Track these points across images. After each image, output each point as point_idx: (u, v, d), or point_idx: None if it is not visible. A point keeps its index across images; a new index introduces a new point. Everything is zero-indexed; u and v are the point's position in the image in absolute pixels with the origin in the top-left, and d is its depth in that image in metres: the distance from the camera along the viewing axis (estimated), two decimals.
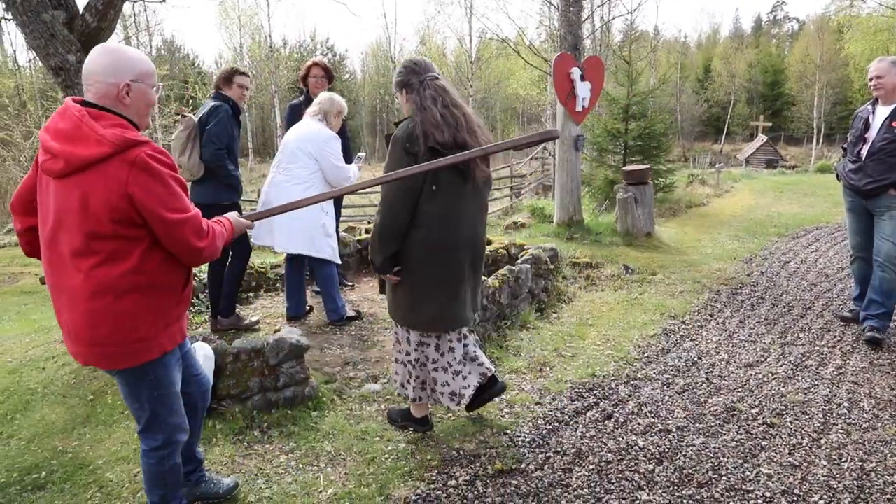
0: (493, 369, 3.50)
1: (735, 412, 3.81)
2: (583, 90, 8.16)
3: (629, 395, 4.07)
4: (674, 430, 3.60)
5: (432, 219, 3.09)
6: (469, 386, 3.38)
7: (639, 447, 3.42)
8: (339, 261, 5.04)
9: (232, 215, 2.69)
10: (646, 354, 4.78)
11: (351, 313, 5.15)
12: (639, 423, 3.70)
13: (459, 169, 3.07)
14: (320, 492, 3.06)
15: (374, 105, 41.38)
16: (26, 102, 16.82)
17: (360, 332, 4.94)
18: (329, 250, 4.87)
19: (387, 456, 3.34)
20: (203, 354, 3.69)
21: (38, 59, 5.26)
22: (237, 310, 5.00)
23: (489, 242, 6.79)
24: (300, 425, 3.63)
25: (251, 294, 5.79)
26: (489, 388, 3.49)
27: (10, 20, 5.37)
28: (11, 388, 4.31)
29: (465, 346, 3.42)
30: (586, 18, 13.97)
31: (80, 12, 5.16)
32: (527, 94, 32.71)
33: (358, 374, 4.28)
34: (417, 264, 3.17)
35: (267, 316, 5.26)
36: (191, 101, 18.52)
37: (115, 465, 3.35)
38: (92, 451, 3.55)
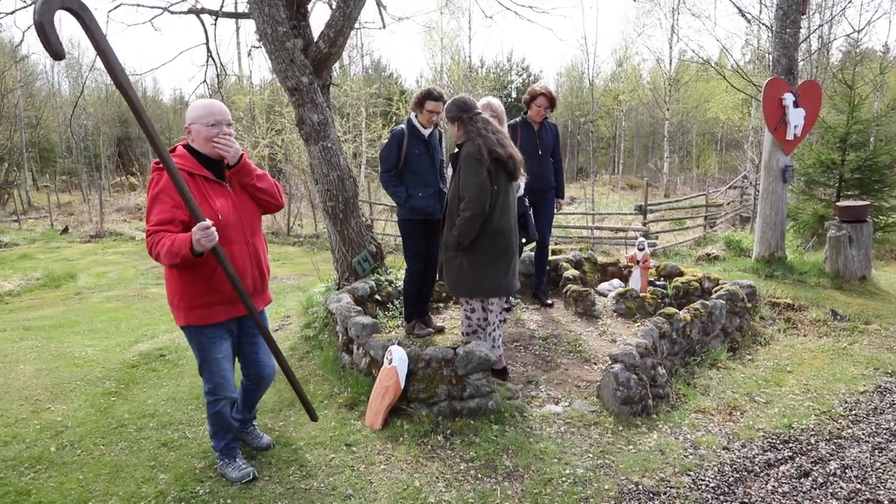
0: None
1: None
2: (795, 117, 7.58)
3: (831, 455, 3.74)
4: (885, 501, 3.25)
5: (495, 210, 4.12)
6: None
7: None
8: None
9: (193, 230, 2.88)
10: (853, 412, 4.35)
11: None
12: (841, 488, 3.39)
13: (508, 172, 4.15)
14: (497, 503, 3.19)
15: (566, 124, 41.28)
16: (256, 117, 19.15)
17: (545, 352, 5.03)
18: None
19: (564, 479, 3.39)
20: (398, 357, 4.01)
21: (276, 80, 6.00)
22: (426, 318, 5.28)
23: (681, 273, 6.56)
24: (481, 436, 3.79)
25: (441, 304, 6.11)
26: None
27: (258, 48, 6.19)
28: None
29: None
30: (803, 40, 12.91)
31: (315, 40, 5.83)
32: (727, 119, 30.77)
33: (540, 393, 4.37)
34: (485, 244, 4.17)
35: (455, 326, 5.52)
36: (394, 117, 19.85)
37: (314, 448, 3.75)
38: (295, 432, 4.01)
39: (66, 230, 21.36)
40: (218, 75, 8.49)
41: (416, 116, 4.89)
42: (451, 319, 5.69)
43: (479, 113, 4.22)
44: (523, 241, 5.47)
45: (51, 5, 2.41)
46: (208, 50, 7.93)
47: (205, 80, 8.70)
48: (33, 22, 2.39)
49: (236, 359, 3.51)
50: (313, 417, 3.67)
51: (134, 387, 4.94)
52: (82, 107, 33.48)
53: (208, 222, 2.89)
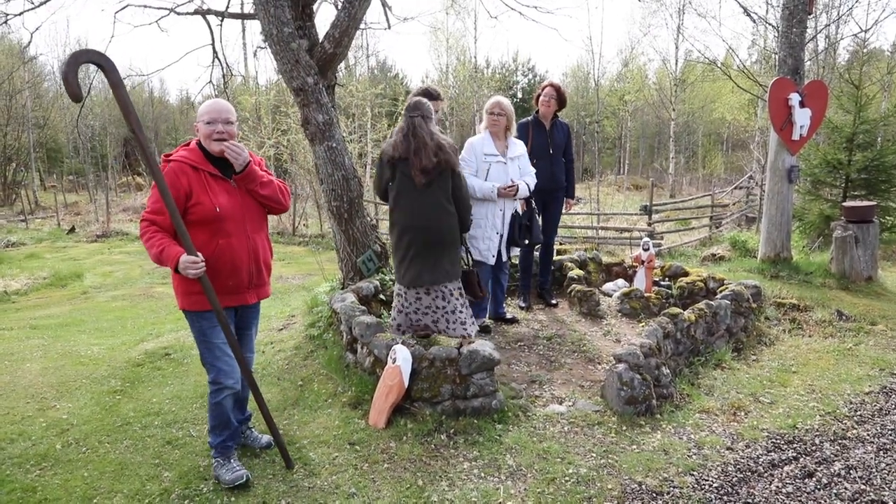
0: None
1: None
2: (801, 117, 7.56)
3: (836, 455, 3.73)
4: (890, 502, 3.24)
5: (395, 206, 4.40)
6: None
7: None
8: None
9: (184, 258, 3.06)
10: (859, 413, 4.33)
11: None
12: (846, 488, 3.38)
13: (405, 174, 4.29)
14: (500, 503, 3.19)
15: (571, 125, 41.26)
16: (262, 117, 19.23)
17: (549, 352, 5.03)
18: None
19: (567, 479, 3.38)
20: (402, 356, 4.02)
21: (281, 81, 6.02)
22: None
23: (685, 273, 6.55)
24: (485, 436, 3.79)
25: None
26: None
27: (264, 48, 6.20)
28: None
29: None
30: (810, 39, 12.86)
31: (320, 41, 5.84)
32: (733, 119, 30.69)
33: (543, 393, 4.37)
34: (391, 236, 4.53)
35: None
36: (398, 117, 19.88)
37: (318, 446, 3.76)
38: (299, 430, 4.01)
39: (72, 230, 21.47)
40: (224, 76, 8.50)
41: None
42: None
43: (416, 116, 4.30)
44: (526, 242, 5.47)
45: (76, 59, 2.83)
46: (214, 51, 7.95)
47: (210, 81, 8.70)
48: (61, 73, 2.79)
49: None
50: (289, 465, 3.53)
51: (139, 385, 4.96)
52: (89, 107, 33.57)
53: (199, 257, 3.08)
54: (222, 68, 8.20)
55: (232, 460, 3.45)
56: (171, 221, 3.09)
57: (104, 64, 2.88)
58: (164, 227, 3.16)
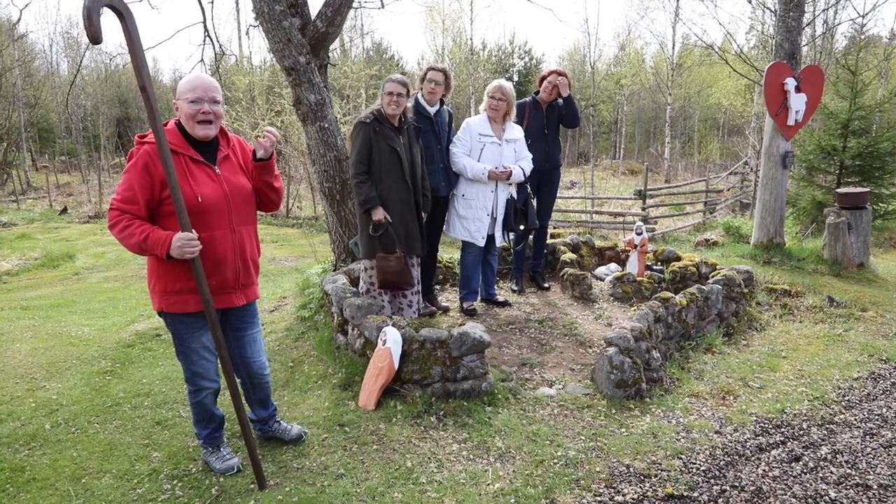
0: None
1: None
2: (797, 102, 7.54)
3: (823, 440, 3.75)
4: (875, 486, 3.27)
5: None
6: None
7: (829, 498, 3.15)
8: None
9: (178, 236, 2.80)
10: (846, 398, 4.36)
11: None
12: (832, 472, 3.40)
13: None
14: (488, 484, 3.20)
15: None
16: (255, 98, 19.03)
17: (540, 335, 5.03)
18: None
19: (555, 461, 3.40)
20: (392, 338, 4.01)
21: (274, 60, 5.94)
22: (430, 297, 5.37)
23: (678, 258, 6.55)
24: (474, 418, 3.80)
25: (437, 287, 6.10)
26: None
27: (256, 27, 6.12)
28: None
29: None
30: (807, 24, 12.79)
31: (313, 19, 5.77)
32: (730, 105, 30.62)
33: (534, 375, 4.38)
34: None
35: (452, 308, 5.53)
36: None
37: (307, 427, 3.75)
38: (289, 412, 4.01)
39: (64, 210, 21.34)
40: (216, 55, 8.40)
41: (420, 94, 4.94)
42: (447, 301, 5.69)
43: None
44: (521, 228, 5.45)
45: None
46: (206, 29, 7.85)
47: (202, 60, 8.61)
48: (85, 9, 2.57)
49: None
50: (261, 485, 3.16)
51: (129, 366, 4.95)
52: (81, 87, 33.29)
53: (194, 235, 2.81)
54: (214, 47, 8.10)
55: (222, 449, 3.40)
56: (146, 211, 2.85)
57: (124, 11, 2.70)
58: (137, 217, 2.85)
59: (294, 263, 11.26)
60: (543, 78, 5.81)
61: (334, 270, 5.80)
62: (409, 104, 4.88)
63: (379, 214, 4.53)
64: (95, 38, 2.62)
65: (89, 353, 5.21)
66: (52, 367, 4.90)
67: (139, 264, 11.77)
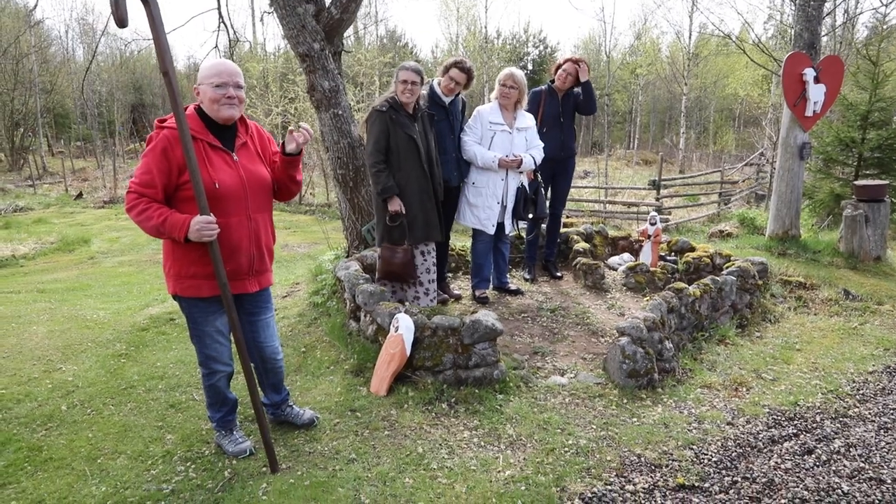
0: None
1: None
2: (816, 93, 7.44)
3: (836, 433, 3.73)
4: (888, 481, 3.24)
5: None
6: None
7: (842, 491, 3.13)
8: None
9: (197, 219, 2.82)
10: (861, 391, 4.32)
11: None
12: (845, 466, 3.38)
13: None
14: (498, 471, 3.20)
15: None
16: (269, 84, 19.07)
17: (552, 324, 5.02)
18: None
19: (566, 449, 3.40)
20: (405, 325, 4.02)
21: (288, 47, 5.94)
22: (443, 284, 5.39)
23: (692, 249, 6.51)
24: (485, 405, 3.80)
25: (449, 275, 6.10)
26: None
27: (270, 13, 6.11)
28: None
29: None
30: (828, 14, 12.58)
31: (327, 5, 5.75)
32: (746, 95, 30.27)
33: (546, 364, 4.38)
34: None
35: (465, 296, 5.52)
36: None
37: (320, 412, 3.78)
38: (301, 397, 4.04)
39: (80, 195, 21.52)
40: (230, 41, 8.41)
41: (438, 82, 4.91)
42: (459, 289, 5.68)
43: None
44: (530, 216, 5.44)
45: None
46: (220, 15, 7.86)
47: (216, 46, 8.64)
48: None
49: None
50: (274, 468, 3.20)
51: (143, 349, 5.00)
52: (96, 73, 33.45)
53: (213, 218, 2.83)
54: (228, 34, 8.11)
55: (235, 432, 3.43)
56: (163, 195, 2.86)
57: (150, 1, 2.71)
58: (155, 200, 2.86)
59: (307, 250, 11.30)
60: (559, 66, 5.77)
61: (347, 257, 5.81)
62: (424, 91, 4.86)
63: (395, 205, 4.52)
64: (122, 21, 2.64)
65: (104, 336, 5.27)
66: (68, 350, 4.96)
67: (154, 249, 11.87)
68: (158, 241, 12.53)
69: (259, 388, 3.47)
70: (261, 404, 3.23)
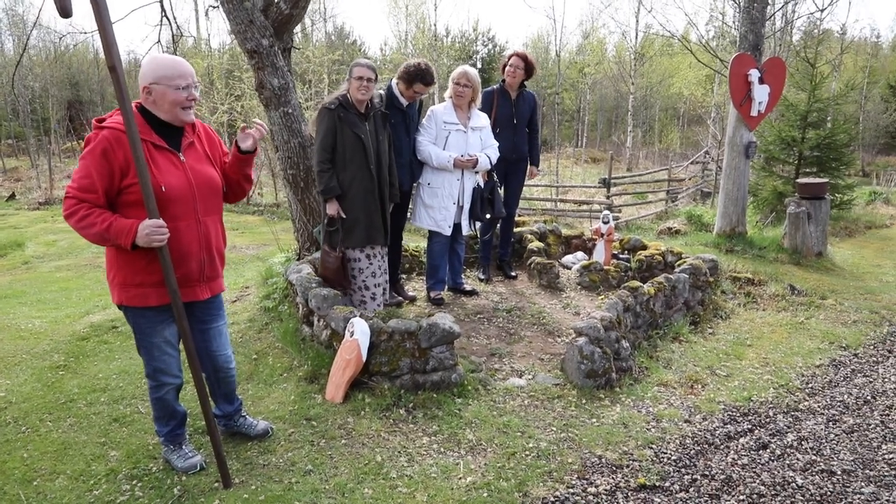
0: None
1: None
2: (760, 93, 7.64)
3: (789, 427, 3.80)
4: (839, 472, 3.32)
5: None
6: None
7: (796, 485, 3.19)
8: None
9: (146, 223, 2.66)
10: (810, 385, 4.43)
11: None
12: (798, 459, 3.45)
13: None
14: (459, 478, 3.14)
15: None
16: (214, 81, 18.58)
17: (508, 324, 4.99)
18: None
19: (527, 453, 3.36)
20: (360, 330, 3.91)
21: (235, 43, 5.75)
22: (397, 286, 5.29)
23: (644, 247, 6.59)
24: (444, 410, 3.74)
25: (403, 276, 6.01)
26: None
27: (216, 7, 5.89)
28: None
29: None
30: (770, 17, 12.99)
31: (276, 1, 5.58)
32: (690, 95, 31.07)
33: (503, 366, 4.34)
34: None
35: (419, 298, 5.45)
36: None
37: (273, 422, 3.64)
38: (254, 406, 3.89)
39: (12, 197, 20.57)
40: (174, 36, 8.09)
41: (397, 86, 4.79)
42: (414, 291, 5.61)
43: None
44: (487, 217, 5.39)
45: None
46: (162, 8, 7.55)
47: (159, 41, 8.28)
48: None
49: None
50: (226, 484, 3.04)
51: (84, 360, 4.75)
52: (28, 67, 31.96)
53: (162, 221, 2.67)
54: (171, 28, 7.80)
55: (184, 446, 3.26)
56: (105, 200, 2.68)
57: None
58: (96, 205, 2.69)
59: (255, 252, 11.03)
60: (506, 64, 5.73)
61: (298, 259, 5.66)
62: (381, 91, 4.76)
63: (332, 209, 4.42)
64: (65, 10, 2.49)
65: (40, 347, 4.98)
66: (0, 363, 4.67)
67: (94, 252, 11.39)
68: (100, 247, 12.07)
69: (210, 399, 3.31)
70: (212, 416, 3.07)
